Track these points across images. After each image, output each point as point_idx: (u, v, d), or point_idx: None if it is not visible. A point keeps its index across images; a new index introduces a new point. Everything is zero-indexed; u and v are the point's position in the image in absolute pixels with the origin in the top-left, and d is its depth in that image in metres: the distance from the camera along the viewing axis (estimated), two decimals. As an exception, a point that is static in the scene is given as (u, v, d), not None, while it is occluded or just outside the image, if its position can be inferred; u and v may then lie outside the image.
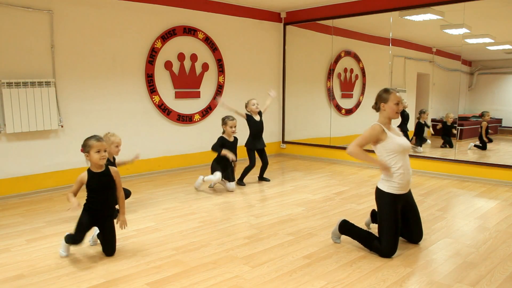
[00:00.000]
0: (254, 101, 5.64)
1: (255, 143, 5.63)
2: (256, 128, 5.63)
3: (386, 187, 3.19)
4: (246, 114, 5.61)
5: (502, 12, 5.98)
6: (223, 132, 5.27)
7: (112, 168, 3.25)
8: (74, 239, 3.15)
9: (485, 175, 5.76)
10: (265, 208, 4.56)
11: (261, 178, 5.86)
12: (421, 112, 7.20)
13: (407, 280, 2.83)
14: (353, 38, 7.70)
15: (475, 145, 6.89)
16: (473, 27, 6.17)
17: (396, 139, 3.21)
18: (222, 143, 5.19)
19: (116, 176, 3.26)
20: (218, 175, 5.04)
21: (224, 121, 5.23)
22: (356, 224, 3.47)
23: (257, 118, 5.64)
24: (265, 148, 5.78)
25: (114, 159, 4.24)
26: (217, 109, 6.94)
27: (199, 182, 5.26)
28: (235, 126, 5.21)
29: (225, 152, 5.08)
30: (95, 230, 3.37)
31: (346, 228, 3.40)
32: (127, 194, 4.31)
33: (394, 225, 3.17)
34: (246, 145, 5.66)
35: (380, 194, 3.24)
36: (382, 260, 3.13)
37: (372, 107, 3.38)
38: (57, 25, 5.16)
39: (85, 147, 3.13)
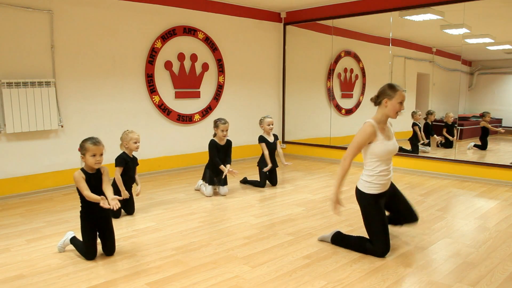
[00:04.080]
0: (269, 120, 5.41)
1: (266, 163, 5.46)
2: (268, 148, 5.41)
3: (366, 188, 3.14)
4: (259, 137, 5.44)
5: (502, 12, 5.98)
6: (214, 135, 5.05)
7: (102, 168, 3.22)
8: (88, 256, 3.14)
9: (485, 175, 5.76)
10: (265, 208, 4.56)
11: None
12: (428, 113, 7.16)
13: (407, 280, 2.83)
14: (353, 38, 7.69)
15: (475, 145, 6.89)
16: (473, 27, 6.17)
17: (385, 145, 3.09)
18: (216, 148, 4.98)
19: (104, 174, 3.22)
20: (208, 190, 4.96)
21: (216, 124, 5.00)
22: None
23: (270, 139, 5.45)
24: None
25: (131, 157, 4.28)
26: (218, 109, 6.94)
27: (199, 185, 5.22)
28: (226, 130, 4.97)
29: (223, 169, 4.91)
30: (66, 236, 3.34)
31: (339, 239, 3.37)
32: (132, 211, 4.31)
33: (382, 223, 3.14)
34: (258, 164, 5.53)
35: (361, 195, 3.19)
36: (382, 260, 3.13)
37: (371, 100, 3.20)
38: (57, 25, 5.16)
39: (81, 149, 3.13)
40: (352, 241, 3.31)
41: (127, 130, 4.28)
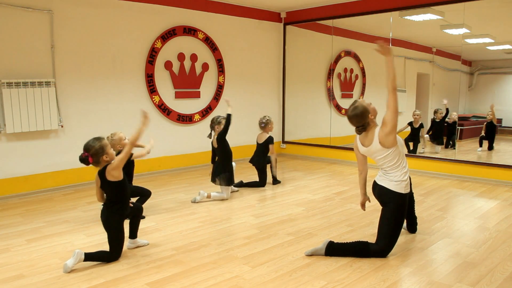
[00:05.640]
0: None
1: (266, 161, 5.54)
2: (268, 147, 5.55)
3: (403, 189, 3.13)
4: (271, 137, 5.50)
5: (502, 12, 5.98)
6: (210, 135, 4.97)
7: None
8: (118, 255, 3.13)
9: (485, 175, 5.76)
10: (265, 208, 4.56)
11: (275, 180, 5.67)
12: (435, 112, 7.09)
13: (407, 280, 2.83)
14: (353, 38, 7.70)
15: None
16: (473, 27, 6.17)
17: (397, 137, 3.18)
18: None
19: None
20: (229, 192, 4.89)
21: (218, 120, 4.87)
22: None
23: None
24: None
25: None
26: (218, 109, 6.94)
27: (202, 196, 4.79)
28: None
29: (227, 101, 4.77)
30: (75, 256, 2.98)
31: (334, 249, 3.19)
32: (148, 194, 4.27)
33: (402, 226, 3.21)
34: (259, 165, 5.51)
35: (398, 197, 3.12)
36: (382, 260, 3.13)
37: (362, 130, 3.17)
38: (57, 25, 5.16)
39: (103, 150, 3.00)
40: (351, 247, 3.20)
41: (111, 134, 4.05)
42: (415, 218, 3.72)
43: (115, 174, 3.03)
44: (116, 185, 3.06)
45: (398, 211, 3.15)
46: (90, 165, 3.06)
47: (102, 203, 3.18)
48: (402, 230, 3.71)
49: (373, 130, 3.15)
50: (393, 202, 3.14)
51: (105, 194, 3.13)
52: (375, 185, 3.28)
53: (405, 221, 3.69)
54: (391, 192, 3.14)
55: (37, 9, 4.99)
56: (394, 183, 3.13)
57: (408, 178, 3.19)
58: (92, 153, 2.98)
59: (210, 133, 5.01)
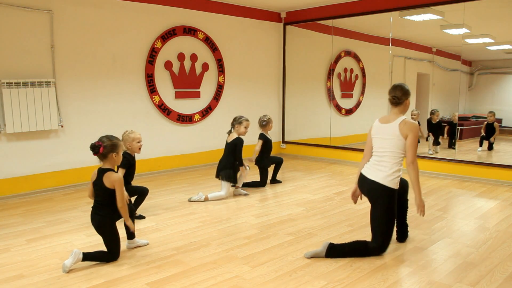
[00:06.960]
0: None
1: (269, 160, 5.57)
2: (270, 146, 5.60)
3: (395, 184, 3.12)
4: (263, 135, 5.54)
5: (502, 12, 5.99)
6: (230, 132, 4.97)
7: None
8: (117, 256, 3.13)
9: (485, 175, 5.76)
10: (265, 208, 4.56)
11: (274, 180, 5.71)
12: (431, 113, 7.07)
13: (407, 280, 2.83)
14: (353, 38, 7.70)
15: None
16: (473, 27, 6.18)
17: None
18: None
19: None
20: (230, 190, 4.90)
21: (240, 120, 4.90)
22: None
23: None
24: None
25: (133, 157, 4.11)
26: (218, 109, 6.95)
27: (200, 197, 4.79)
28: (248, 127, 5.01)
29: (243, 169, 4.98)
30: (73, 255, 2.99)
31: (334, 251, 3.17)
32: (145, 192, 4.24)
33: (395, 221, 3.21)
34: (261, 164, 5.52)
35: (389, 192, 3.10)
36: (382, 260, 3.13)
37: (396, 98, 3.18)
38: (57, 25, 5.16)
39: (115, 147, 3.05)
40: (351, 248, 3.19)
41: (127, 131, 4.10)
42: (406, 225, 3.55)
43: (113, 185, 3.04)
44: (110, 191, 3.06)
45: (388, 208, 3.12)
46: (96, 157, 3.08)
47: (92, 206, 3.17)
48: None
49: (398, 115, 3.18)
50: (383, 199, 3.10)
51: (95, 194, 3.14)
52: (364, 180, 3.20)
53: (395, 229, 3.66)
54: (380, 187, 3.09)
55: (37, 9, 4.99)
56: (384, 177, 3.08)
57: (399, 176, 3.16)
58: (106, 145, 3.02)
59: (230, 130, 5.01)
